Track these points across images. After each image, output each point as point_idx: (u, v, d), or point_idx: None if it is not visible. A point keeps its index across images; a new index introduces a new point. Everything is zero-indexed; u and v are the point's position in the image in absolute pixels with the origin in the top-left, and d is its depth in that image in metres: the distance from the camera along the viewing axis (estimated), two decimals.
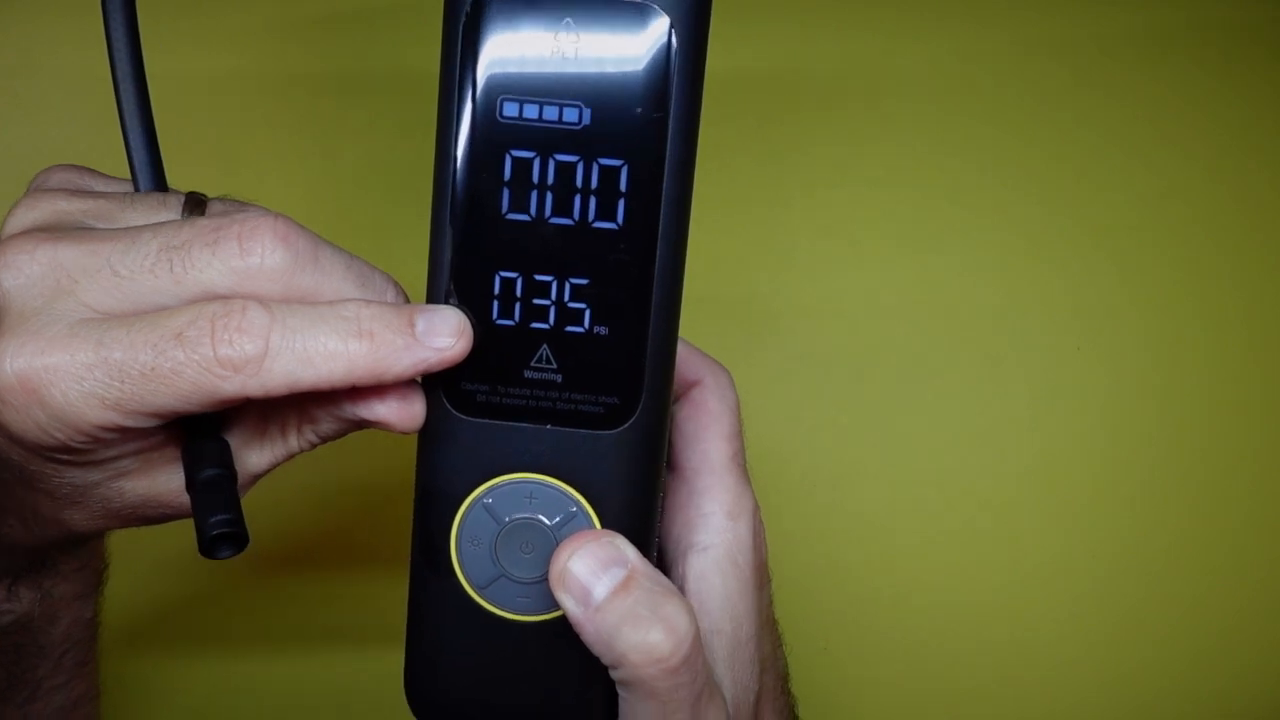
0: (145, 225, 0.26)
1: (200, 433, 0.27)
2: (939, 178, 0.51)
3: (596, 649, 0.26)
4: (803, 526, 0.51)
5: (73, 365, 0.24)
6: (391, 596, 0.51)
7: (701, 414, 0.32)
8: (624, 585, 0.26)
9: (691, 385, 0.33)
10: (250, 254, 0.25)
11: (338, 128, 0.50)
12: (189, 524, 0.27)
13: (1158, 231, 0.51)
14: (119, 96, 0.29)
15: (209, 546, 0.25)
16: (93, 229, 0.26)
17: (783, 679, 0.34)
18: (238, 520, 0.25)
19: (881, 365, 0.52)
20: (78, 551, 0.33)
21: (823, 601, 0.47)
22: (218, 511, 0.25)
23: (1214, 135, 0.51)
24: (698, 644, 0.26)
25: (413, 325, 0.25)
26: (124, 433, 0.25)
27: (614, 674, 0.27)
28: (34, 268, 0.25)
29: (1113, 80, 0.51)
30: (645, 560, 0.28)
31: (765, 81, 0.48)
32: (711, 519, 0.31)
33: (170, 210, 0.28)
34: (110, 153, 0.49)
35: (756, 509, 0.33)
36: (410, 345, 0.25)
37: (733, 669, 0.30)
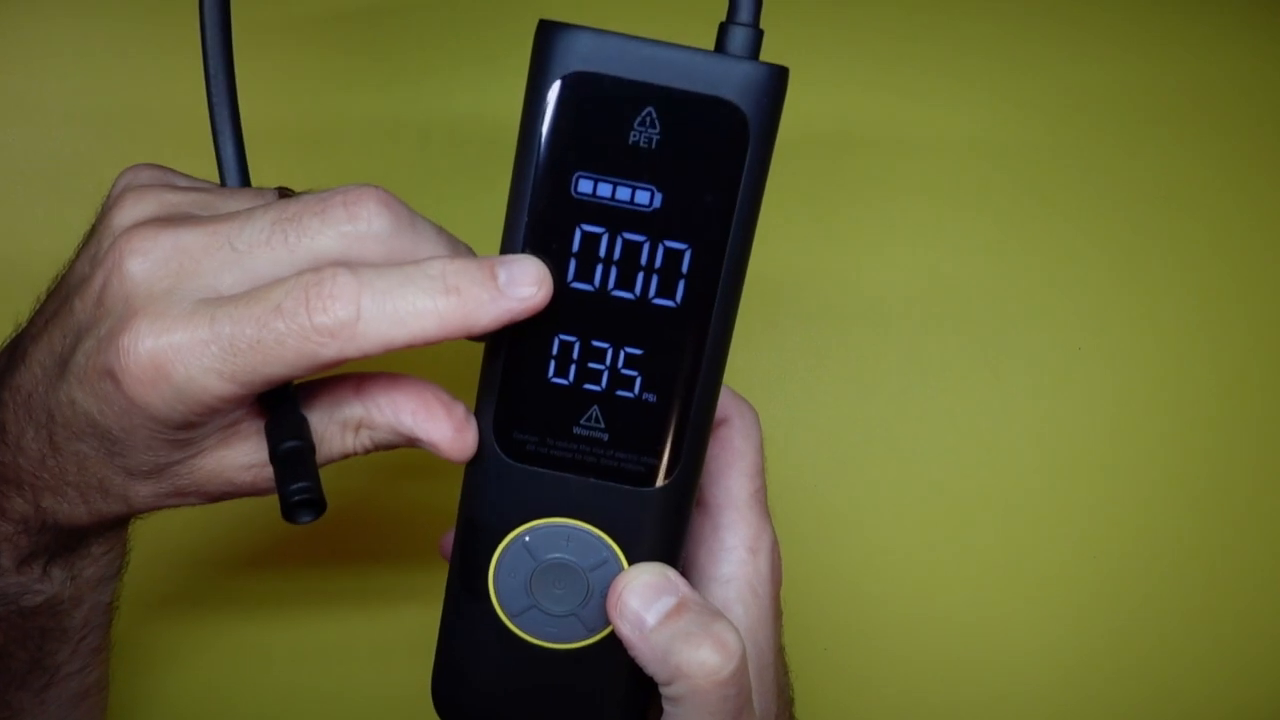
0: (255, 206, 0.27)
1: (282, 409, 0.28)
2: (942, 181, 0.51)
3: (651, 667, 0.29)
4: (801, 528, 0.52)
5: (193, 342, 0.25)
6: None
7: (727, 451, 0.34)
8: (675, 610, 0.29)
9: (719, 423, 0.34)
10: (357, 219, 0.26)
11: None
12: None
13: (1160, 233, 0.52)
14: (210, 97, 0.30)
15: (290, 511, 0.27)
16: (202, 216, 0.28)
17: (790, 705, 0.37)
18: (316, 487, 0.27)
19: (881, 368, 0.52)
20: (109, 535, 0.34)
21: (821, 603, 0.48)
22: (298, 479, 0.26)
23: (1218, 137, 0.51)
24: (744, 660, 0.29)
25: (495, 277, 0.26)
26: (240, 403, 0.26)
27: (667, 690, 0.29)
28: (159, 253, 0.26)
29: (1117, 88, 0.52)
30: (693, 589, 0.30)
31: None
32: (733, 552, 0.33)
33: (266, 201, 0.29)
34: (109, 152, 0.49)
35: (775, 543, 0.34)
36: (495, 297, 0.26)
37: (757, 693, 0.32)
